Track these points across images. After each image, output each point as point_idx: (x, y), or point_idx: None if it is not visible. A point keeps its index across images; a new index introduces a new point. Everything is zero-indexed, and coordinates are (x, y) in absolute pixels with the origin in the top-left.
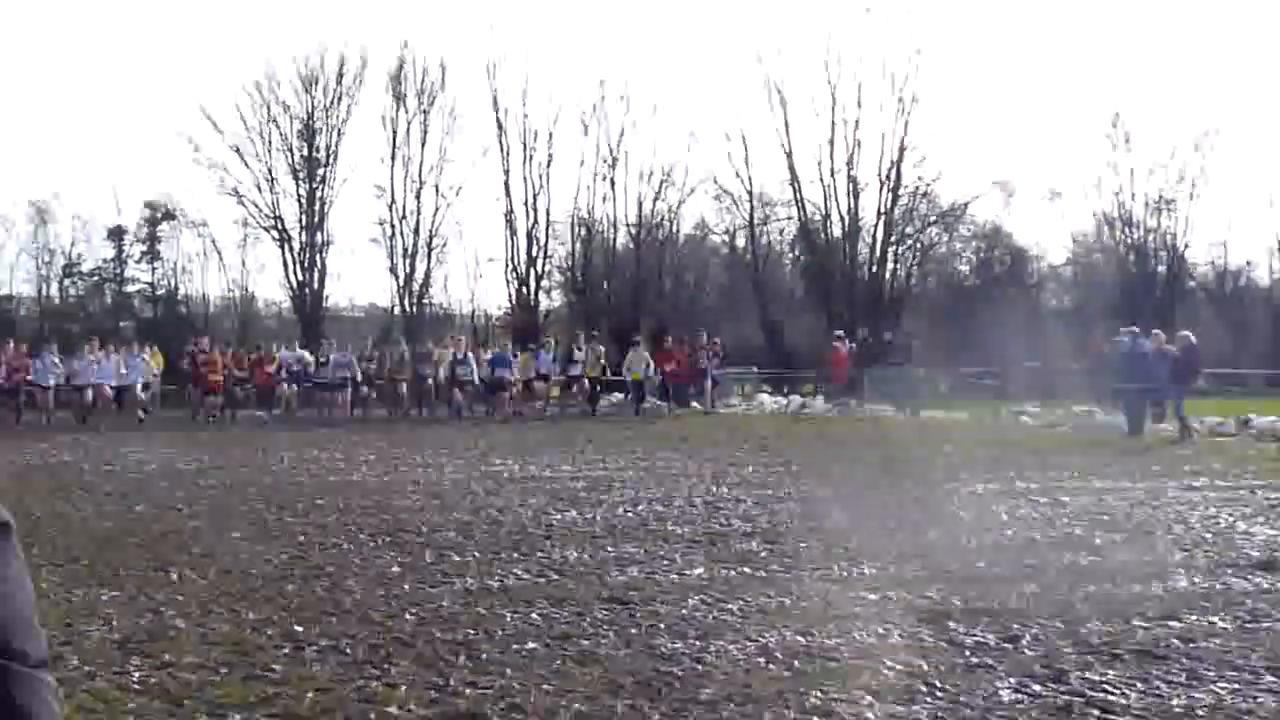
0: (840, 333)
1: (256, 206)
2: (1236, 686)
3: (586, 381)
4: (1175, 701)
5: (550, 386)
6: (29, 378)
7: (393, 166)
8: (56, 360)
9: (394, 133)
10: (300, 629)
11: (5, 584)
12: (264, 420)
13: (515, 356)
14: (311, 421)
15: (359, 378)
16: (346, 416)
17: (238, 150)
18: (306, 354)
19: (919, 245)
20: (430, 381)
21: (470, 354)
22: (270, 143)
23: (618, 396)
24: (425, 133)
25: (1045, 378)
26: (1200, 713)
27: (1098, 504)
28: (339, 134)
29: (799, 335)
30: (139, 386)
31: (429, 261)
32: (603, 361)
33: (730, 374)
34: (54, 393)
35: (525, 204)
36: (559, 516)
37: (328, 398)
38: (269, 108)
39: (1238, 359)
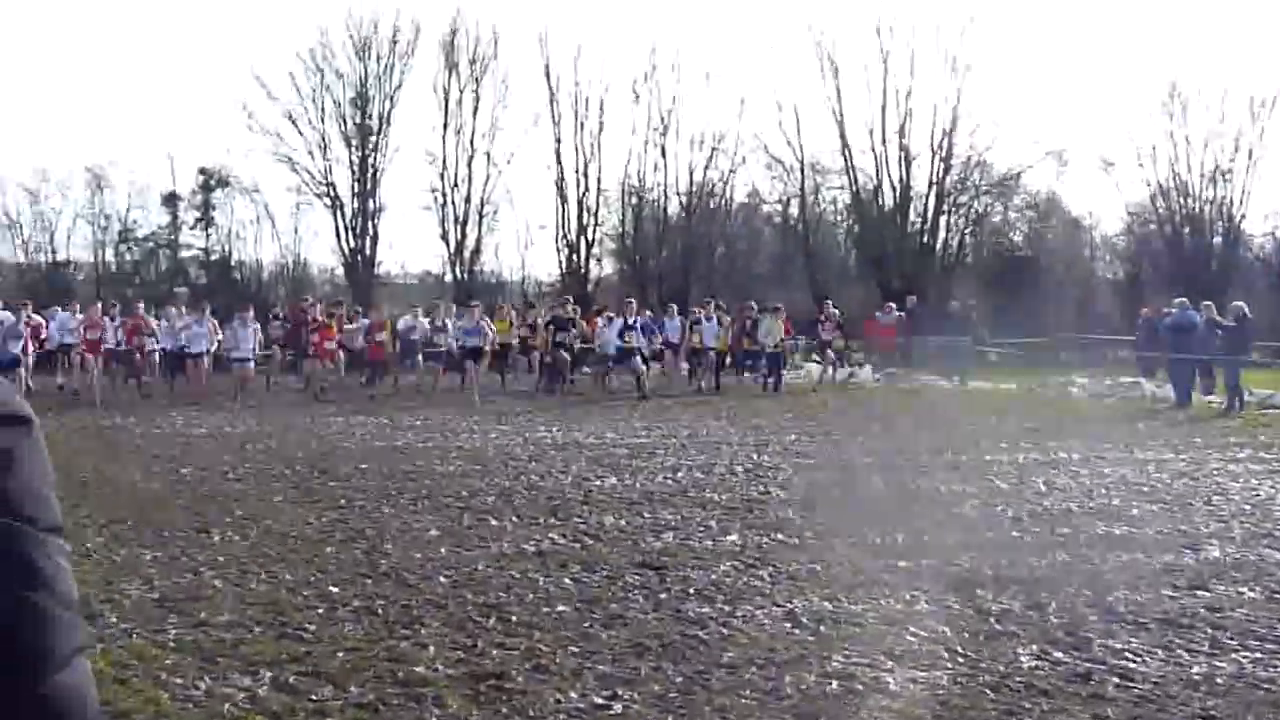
0: (891, 305)
1: (309, 173)
2: (1259, 655)
3: (712, 354)
4: (1195, 670)
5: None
6: (145, 343)
7: (445, 134)
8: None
9: (446, 100)
10: (335, 590)
11: (17, 463)
12: (371, 395)
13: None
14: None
15: (487, 347)
16: (470, 388)
17: (291, 117)
18: (425, 320)
19: (971, 214)
20: (564, 353)
21: (638, 318)
22: (323, 109)
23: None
24: (477, 100)
25: (1096, 349)
26: (1219, 681)
27: (1138, 474)
28: (392, 101)
29: (851, 304)
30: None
31: (480, 229)
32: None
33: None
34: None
35: (576, 172)
36: (599, 482)
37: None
38: (323, 74)
39: None
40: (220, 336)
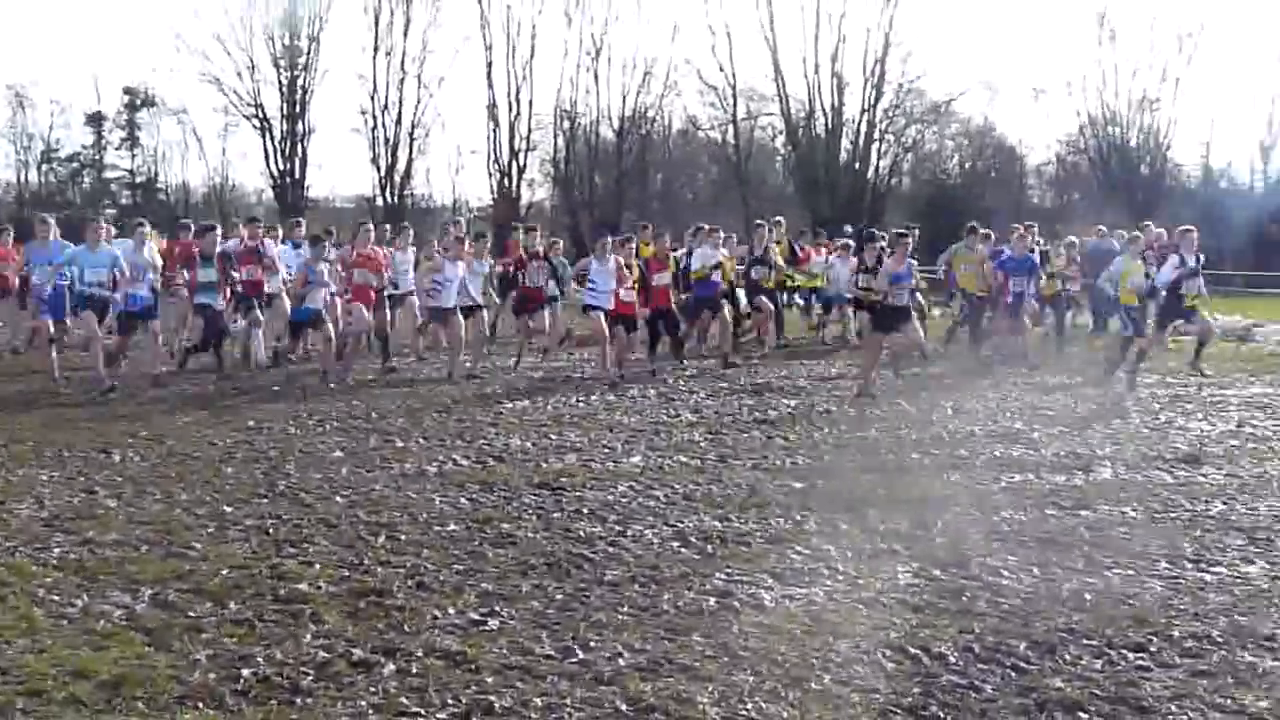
0: (821, 231)
1: (237, 94)
2: (1130, 573)
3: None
4: (1066, 586)
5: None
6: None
7: (375, 56)
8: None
9: (376, 21)
10: (229, 510)
11: None
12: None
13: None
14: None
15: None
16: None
17: (219, 38)
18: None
19: (904, 141)
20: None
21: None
22: (252, 30)
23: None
24: (408, 23)
25: None
26: (1088, 597)
27: (1043, 400)
28: (321, 21)
29: (788, 231)
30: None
31: (411, 152)
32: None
33: None
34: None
35: (508, 96)
36: (510, 405)
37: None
38: None
39: (1219, 259)
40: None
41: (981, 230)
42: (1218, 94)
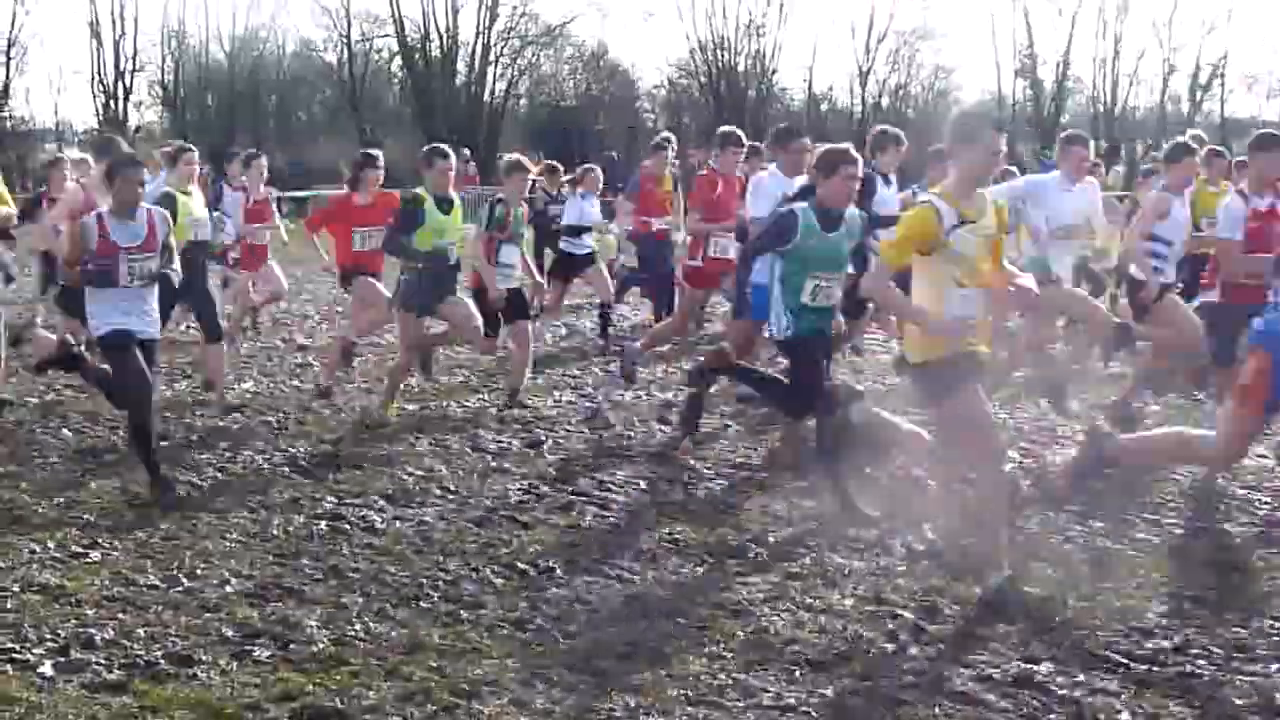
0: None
1: None
2: (729, 483)
3: None
4: (672, 497)
5: None
6: None
7: None
8: None
9: None
10: None
11: None
12: None
13: None
14: None
15: None
16: None
17: None
18: None
19: (519, 65)
20: None
21: None
22: None
23: None
24: None
25: None
26: (692, 507)
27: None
28: None
29: (401, 154)
30: None
31: (8, 72)
32: None
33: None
34: None
35: (111, 14)
36: None
37: None
38: None
39: None
40: None
41: None
42: (819, 20)
